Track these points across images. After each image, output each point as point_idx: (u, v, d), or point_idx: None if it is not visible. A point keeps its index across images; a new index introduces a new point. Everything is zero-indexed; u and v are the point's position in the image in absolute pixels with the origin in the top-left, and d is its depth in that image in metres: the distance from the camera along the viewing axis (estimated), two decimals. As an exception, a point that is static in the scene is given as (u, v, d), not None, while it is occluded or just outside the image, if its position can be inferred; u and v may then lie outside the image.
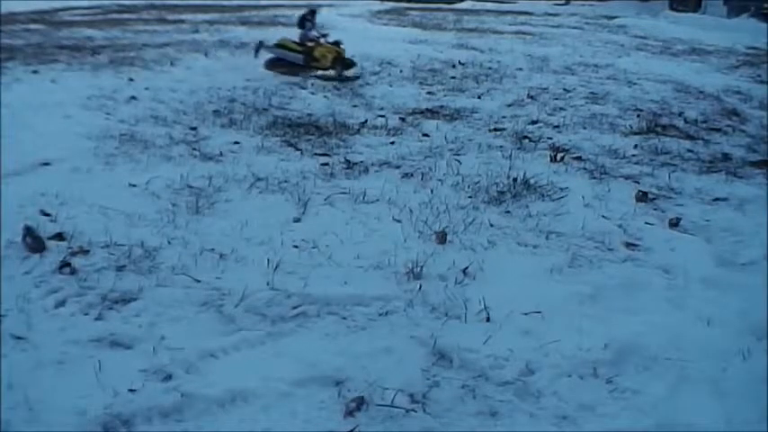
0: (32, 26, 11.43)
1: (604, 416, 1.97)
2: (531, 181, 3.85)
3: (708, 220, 3.45)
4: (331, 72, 6.93)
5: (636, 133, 5.20)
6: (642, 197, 3.70)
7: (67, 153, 4.13)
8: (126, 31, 10.84)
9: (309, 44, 7.03)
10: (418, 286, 2.63)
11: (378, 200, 3.55)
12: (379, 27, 13.22)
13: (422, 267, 2.76)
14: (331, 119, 5.34)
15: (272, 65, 7.00)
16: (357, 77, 7.05)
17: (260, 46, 7.04)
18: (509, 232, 3.20)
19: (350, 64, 7.08)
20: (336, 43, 7.09)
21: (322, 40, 7.09)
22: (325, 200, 3.53)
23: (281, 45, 7.06)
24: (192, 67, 7.43)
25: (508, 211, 3.46)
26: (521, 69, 8.08)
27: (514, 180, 3.87)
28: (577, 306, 2.54)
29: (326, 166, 4.09)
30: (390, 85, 6.88)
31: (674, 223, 3.38)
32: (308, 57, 6.91)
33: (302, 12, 7.40)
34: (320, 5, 18.48)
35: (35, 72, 6.78)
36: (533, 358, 2.20)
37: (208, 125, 5.05)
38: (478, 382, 2.10)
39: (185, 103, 5.75)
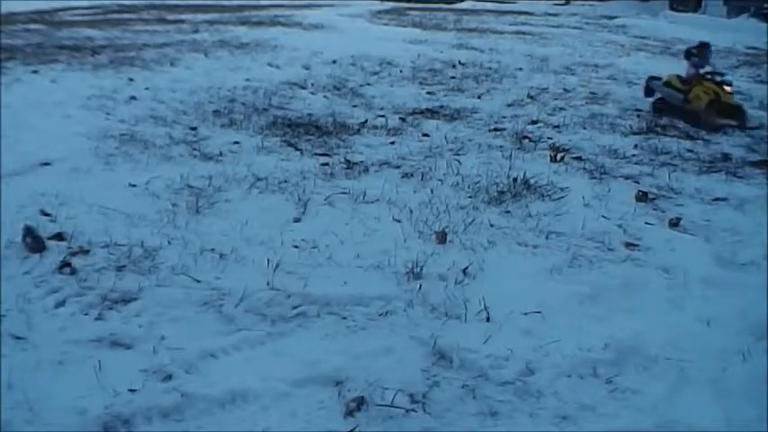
0: (32, 26, 11.43)
1: (604, 416, 1.97)
2: (531, 181, 3.85)
3: (708, 220, 3.45)
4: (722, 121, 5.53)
5: (636, 133, 5.20)
6: (642, 197, 3.70)
7: (67, 153, 4.13)
8: (126, 31, 10.84)
9: (695, 82, 5.82)
10: (418, 286, 2.63)
11: (378, 200, 3.55)
12: (380, 27, 13.23)
13: (422, 267, 2.76)
14: (331, 119, 5.34)
15: (659, 106, 5.99)
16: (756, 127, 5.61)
17: (649, 81, 6.28)
18: (509, 232, 3.20)
19: (734, 110, 5.61)
20: (721, 84, 5.70)
21: (707, 78, 5.82)
22: (325, 200, 3.53)
23: (668, 83, 6.05)
24: (192, 67, 7.43)
25: (508, 211, 3.46)
26: (521, 69, 8.09)
27: (514, 180, 3.87)
28: (577, 306, 2.54)
29: (326, 166, 4.09)
30: (390, 85, 6.88)
31: (674, 223, 3.38)
32: (686, 97, 5.77)
33: (691, 44, 6.38)
34: (320, 5, 18.54)
35: (35, 72, 6.78)
36: (533, 358, 2.20)
37: (208, 125, 5.05)
38: (478, 382, 2.09)
39: (185, 103, 5.75)
